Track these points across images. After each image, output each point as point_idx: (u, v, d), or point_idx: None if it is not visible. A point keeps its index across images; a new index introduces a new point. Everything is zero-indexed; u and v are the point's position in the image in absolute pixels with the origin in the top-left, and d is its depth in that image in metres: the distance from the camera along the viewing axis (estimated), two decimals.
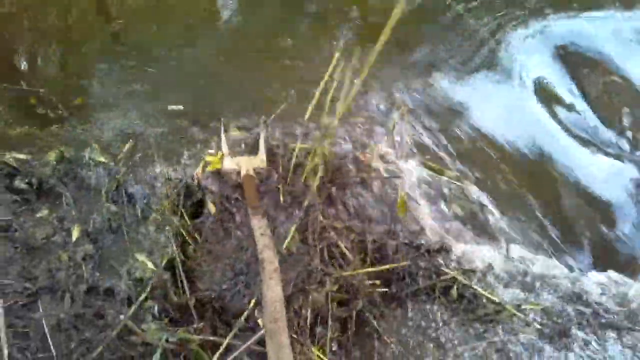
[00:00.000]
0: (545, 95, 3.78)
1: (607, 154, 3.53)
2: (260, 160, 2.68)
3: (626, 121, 3.77)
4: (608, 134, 3.65)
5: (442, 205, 2.94)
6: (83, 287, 2.28)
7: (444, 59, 3.86)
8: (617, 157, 3.53)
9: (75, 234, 2.42)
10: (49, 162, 2.67)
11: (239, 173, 2.61)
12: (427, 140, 3.34)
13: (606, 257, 3.06)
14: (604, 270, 2.76)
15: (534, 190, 3.26)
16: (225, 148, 2.74)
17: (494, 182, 3.28)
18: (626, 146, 3.60)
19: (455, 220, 2.90)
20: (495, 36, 4.01)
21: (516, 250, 2.83)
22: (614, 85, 3.86)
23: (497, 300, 2.52)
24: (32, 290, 2.23)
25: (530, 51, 3.98)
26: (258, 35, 3.88)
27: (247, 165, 2.62)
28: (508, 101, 3.71)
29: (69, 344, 2.11)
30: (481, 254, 2.73)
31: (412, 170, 3.02)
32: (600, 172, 3.40)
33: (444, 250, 2.66)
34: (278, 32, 3.86)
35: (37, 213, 2.54)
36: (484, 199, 3.14)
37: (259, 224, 2.33)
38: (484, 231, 2.94)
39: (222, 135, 2.82)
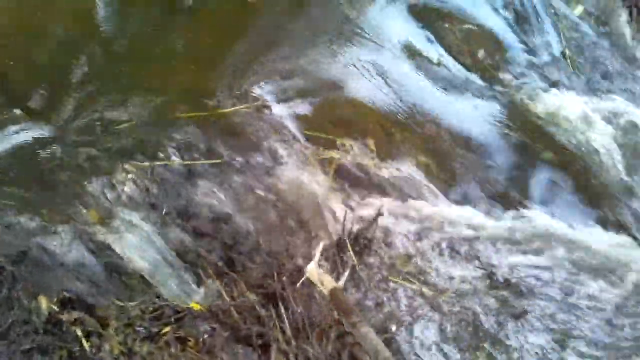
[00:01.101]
0: (410, 54, 4.01)
1: (475, 95, 3.87)
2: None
3: (485, 63, 4.13)
4: (472, 77, 3.99)
5: None
6: None
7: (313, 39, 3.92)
8: (482, 97, 3.88)
9: None
10: None
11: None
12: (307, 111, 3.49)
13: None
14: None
15: (417, 142, 3.55)
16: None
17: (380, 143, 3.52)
18: (489, 85, 3.97)
19: None
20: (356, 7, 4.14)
21: None
22: (468, 32, 4.18)
23: None
24: None
25: (386, 16, 4.16)
26: None
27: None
28: (376, 67, 3.91)
29: None
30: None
31: None
32: (470, 114, 3.75)
33: None
34: None
35: None
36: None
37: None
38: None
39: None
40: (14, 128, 3.12)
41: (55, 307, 2.35)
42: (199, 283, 2.80)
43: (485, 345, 2.89)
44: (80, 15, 3.74)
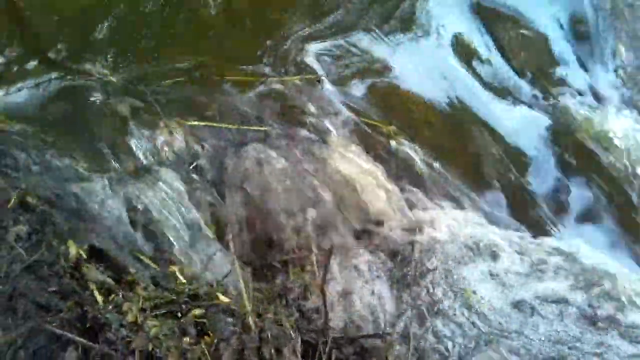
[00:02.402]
0: (463, 50, 3.90)
1: (521, 103, 3.73)
2: None
3: (537, 72, 4.00)
4: (521, 84, 3.86)
5: None
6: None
7: (360, 21, 3.81)
8: (530, 106, 3.75)
9: None
10: None
11: None
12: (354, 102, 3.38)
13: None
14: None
15: (457, 141, 3.41)
16: None
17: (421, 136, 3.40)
18: (539, 94, 3.84)
19: None
20: None
21: None
22: (525, 38, 4.05)
23: None
24: None
25: (446, 8, 4.06)
26: None
27: None
28: (427, 58, 3.80)
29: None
30: None
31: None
32: (515, 121, 3.61)
33: None
34: None
35: None
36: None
37: None
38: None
39: None
40: (54, 75, 3.02)
41: (83, 254, 2.22)
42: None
43: None
44: None
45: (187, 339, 2.18)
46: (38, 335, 2.02)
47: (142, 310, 2.29)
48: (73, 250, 2.16)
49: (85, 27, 3.23)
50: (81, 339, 2.01)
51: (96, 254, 2.43)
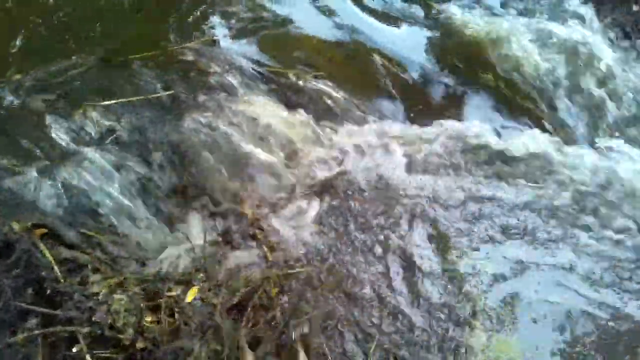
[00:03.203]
0: None
1: (407, 22, 4.06)
2: None
3: None
4: (404, 5, 4.19)
5: None
6: None
7: None
8: (414, 24, 4.08)
9: None
10: None
11: None
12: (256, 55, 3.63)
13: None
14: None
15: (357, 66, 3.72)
16: None
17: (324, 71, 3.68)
18: (420, 12, 4.17)
19: None
20: None
21: None
22: None
23: None
24: None
25: None
26: None
27: None
28: (319, 2, 4.08)
29: None
30: None
31: None
32: (403, 37, 3.95)
33: None
34: None
35: None
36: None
37: None
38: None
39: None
40: None
41: (29, 225, 2.45)
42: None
43: None
44: None
45: (148, 318, 2.38)
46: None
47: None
48: (16, 225, 2.39)
49: None
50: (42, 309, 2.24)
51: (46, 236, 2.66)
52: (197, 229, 2.99)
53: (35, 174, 2.74)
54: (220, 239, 2.91)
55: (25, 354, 2.09)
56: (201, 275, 2.56)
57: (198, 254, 2.63)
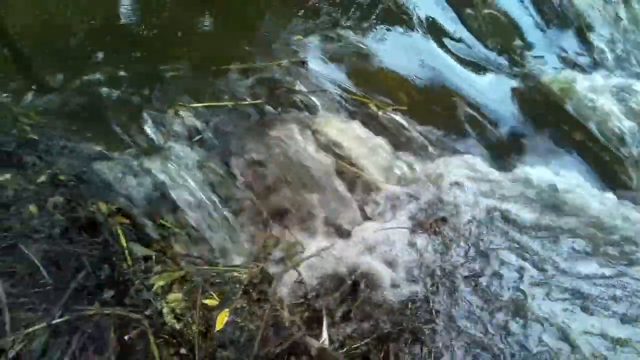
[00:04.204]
0: (436, 31, 4.29)
1: (490, 70, 4.11)
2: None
3: (502, 44, 4.39)
4: (490, 55, 4.23)
5: None
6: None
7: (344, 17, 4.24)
8: (498, 72, 4.12)
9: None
10: None
11: None
12: (341, 81, 3.75)
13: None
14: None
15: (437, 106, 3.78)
16: None
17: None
18: (505, 62, 4.22)
19: None
20: None
21: None
22: (489, 16, 4.44)
23: None
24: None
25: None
26: None
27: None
28: (407, 42, 4.19)
29: (60, 272, 2.36)
30: None
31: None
32: (485, 86, 3.98)
33: None
34: None
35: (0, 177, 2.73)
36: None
37: None
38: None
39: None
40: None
41: (114, 209, 2.57)
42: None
43: None
44: None
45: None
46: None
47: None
48: (103, 207, 2.51)
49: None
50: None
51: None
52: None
53: (124, 161, 2.86)
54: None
55: (97, 324, 2.14)
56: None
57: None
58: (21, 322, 2.12)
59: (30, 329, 2.07)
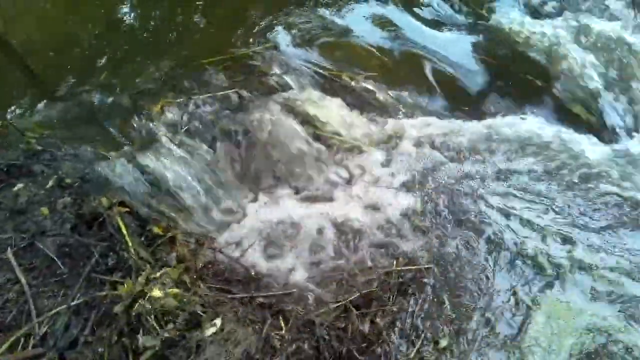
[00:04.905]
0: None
1: (455, 27, 4.26)
2: None
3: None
4: (454, 13, 4.38)
5: None
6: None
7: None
8: (462, 29, 4.27)
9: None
10: None
11: None
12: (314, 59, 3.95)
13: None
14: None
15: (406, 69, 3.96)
16: None
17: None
18: (469, 18, 4.36)
19: None
20: None
21: None
22: None
23: None
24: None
25: None
26: None
27: None
28: (374, 12, 4.37)
29: (73, 262, 2.67)
30: None
31: None
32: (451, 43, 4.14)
33: None
34: None
35: (14, 187, 3.05)
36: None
37: None
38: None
39: None
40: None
41: (114, 201, 2.87)
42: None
43: None
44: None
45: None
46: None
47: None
48: (104, 201, 2.81)
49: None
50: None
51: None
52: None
53: (120, 159, 3.14)
54: None
55: (110, 301, 2.44)
56: None
57: None
58: (44, 309, 2.43)
59: (53, 311, 2.38)
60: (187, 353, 2.19)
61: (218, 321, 2.24)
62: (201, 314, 2.31)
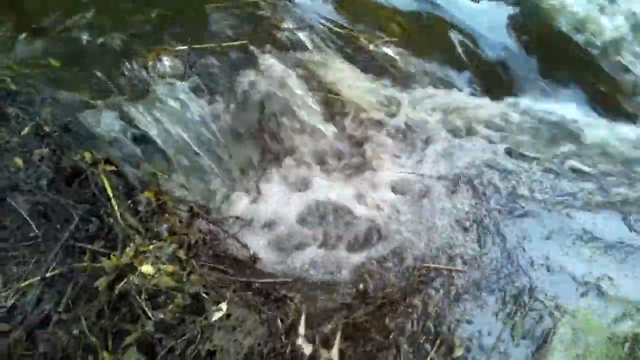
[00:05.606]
0: None
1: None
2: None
3: None
4: None
5: None
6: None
7: None
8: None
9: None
10: None
11: None
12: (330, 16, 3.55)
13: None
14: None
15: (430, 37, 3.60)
16: None
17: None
18: None
19: None
20: None
21: None
22: None
23: None
24: None
25: None
26: None
27: None
28: None
29: (49, 224, 2.33)
30: None
31: None
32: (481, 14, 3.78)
33: None
34: None
35: None
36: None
37: None
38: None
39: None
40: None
41: (99, 157, 2.51)
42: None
43: None
44: None
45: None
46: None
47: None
48: (88, 155, 2.44)
49: None
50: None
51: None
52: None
53: (108, 109, 2.77)
54: None
55: (89, 275, 2.13)
56: None
57: None
58: (13, 277, 2.10)
59: (23, 283, 2.05)
60: (188, 339, 1.89)
61: (224, 305, 1.93)
62: (204, 295, 2.00)
